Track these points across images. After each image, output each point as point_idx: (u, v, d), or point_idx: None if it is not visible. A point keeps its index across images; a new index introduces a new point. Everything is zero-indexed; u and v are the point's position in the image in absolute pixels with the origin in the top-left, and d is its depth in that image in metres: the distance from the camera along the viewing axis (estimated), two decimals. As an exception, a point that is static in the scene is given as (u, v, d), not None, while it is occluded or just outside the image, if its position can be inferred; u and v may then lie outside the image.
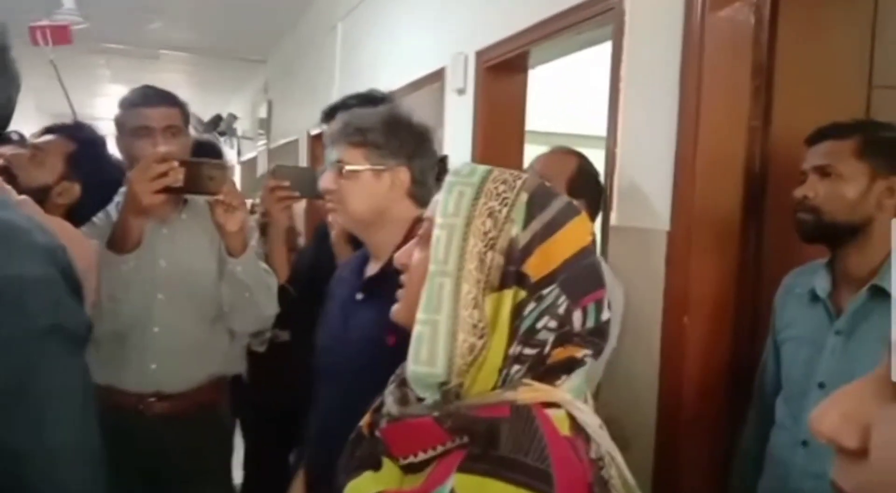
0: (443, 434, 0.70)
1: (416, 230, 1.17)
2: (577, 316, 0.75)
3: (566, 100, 4.29)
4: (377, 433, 0.78)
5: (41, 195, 1.64)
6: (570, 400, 0.73)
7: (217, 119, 7.20)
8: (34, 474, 0.69)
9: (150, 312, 1.70)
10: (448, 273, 0.73)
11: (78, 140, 1.84)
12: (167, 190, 1.55)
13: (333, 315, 1.43)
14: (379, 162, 1.33)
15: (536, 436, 0.67)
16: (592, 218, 1.83)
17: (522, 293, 0.73)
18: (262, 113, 6.88)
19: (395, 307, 0.85)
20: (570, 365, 0.75)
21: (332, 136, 1.37)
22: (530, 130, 2.82)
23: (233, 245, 1.66)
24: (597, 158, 1.96)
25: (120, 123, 1.73)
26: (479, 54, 2.71)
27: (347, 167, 1.33)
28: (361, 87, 2.20)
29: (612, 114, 1.94)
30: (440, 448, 0.70)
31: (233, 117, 7.40)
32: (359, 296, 1.36)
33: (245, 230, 1.67)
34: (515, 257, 0.74)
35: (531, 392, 0.71)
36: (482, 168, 0.80)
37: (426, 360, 0.72)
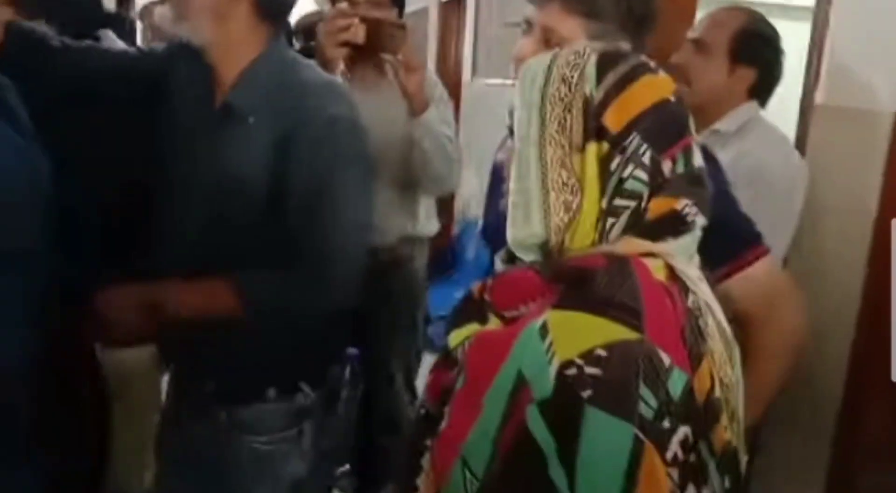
0: (542, 285, 0.74)
1: None
2: (666, 166, 0.76)
3: None
4: (486, 296, 0.80)
5: None
6: (668, 252, 0.74)
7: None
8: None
9: None
10: (532, 142, 0.77)
11: None
12: (348, 45, 1.60)
13: (496, 200, 1.23)
14: (599, 37, 1.00)
15: (629, 279, 0.70)
16: (765, 92, 1.54)
17: (605, 146, 0.75)
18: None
19: None
20: (674, 225, 0.76)
21: None
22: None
23: (412, 106, 1.68)
24: (795, 33, 1.64)
25: None
26: None
27: (563, 43, 1.01)
28: None
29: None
30: (540, 300, 0.73)
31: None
32: None
33: (423, 92, 1.68)
34: (592, 112, 0.76)
35: (629, 245, 0.74)
36: (551, 54, 0.81)
37: (522, 221, 0.76)
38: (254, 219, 1.19)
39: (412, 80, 1.63)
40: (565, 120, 0.76)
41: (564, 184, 0.75)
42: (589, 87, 0.76)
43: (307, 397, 1.29)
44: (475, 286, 0.84)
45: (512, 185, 0.78)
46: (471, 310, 0.81)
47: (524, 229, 0.77)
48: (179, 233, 1.25)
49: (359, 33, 1.57)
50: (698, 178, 0.78)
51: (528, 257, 0.79)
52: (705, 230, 0.78)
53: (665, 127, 0.77)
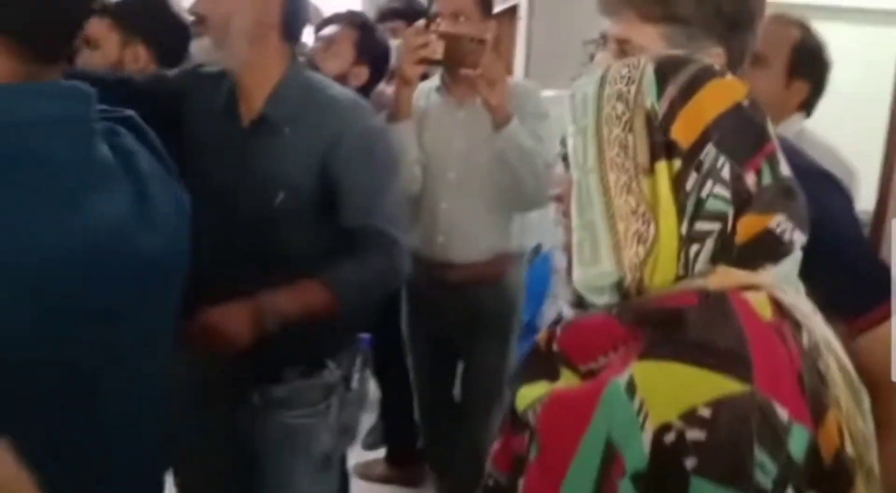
0: (622, 331, 0.64)
1: None
2: (749, 179, 0.66)
3: None
4: (555, 347, 0.71)
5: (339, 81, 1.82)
6: (772, 283, 0.64)
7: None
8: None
9: (438, 189, 1.91)
10: (591, 169, 0.68)
11: (359, 27, 2.08)
12: (427, 61, 1.66)
13: None
14: (685, 44, 0.91)
15: (731, 319, 0.59)
16: (814, 104, 1.55)
17: (677, 164, 0.66)
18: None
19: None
20: (771, 247, 0.66)
21: (611, 1, 0.98)
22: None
23: (495, 118, 1.71)
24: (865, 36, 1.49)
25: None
26: None
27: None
28: None
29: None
30: (622, 350, 0.64)
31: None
32: None
33: (504, 104, 1.70)
34: (658, 127, 0.67)
35: (724, 277, 0.63)
36: (601, 70, 0.72)
37: (590, 259, 0.67)
38: (302, 218, 1.34)
39: (493, 93, 1.65)
40: (627, 141, 0.67)
41: (633, 211, 0.66)
42: (650, 100, 0.68)
43: (332, 374, 1.42)
44: (541, 336, 0.75)
45: (574, 221, 0.69)
46: (539, 365, 0.73)
47: (593, 268, 0.67)
48: (226, 238, 1.32)
49: (437, 50, 1.63)
50: (789, 189, 0.69)
51: (600, 299, 0.69)
52: (832, 273, 0.69)
53: (743, 135, 0.68)
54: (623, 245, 0.66)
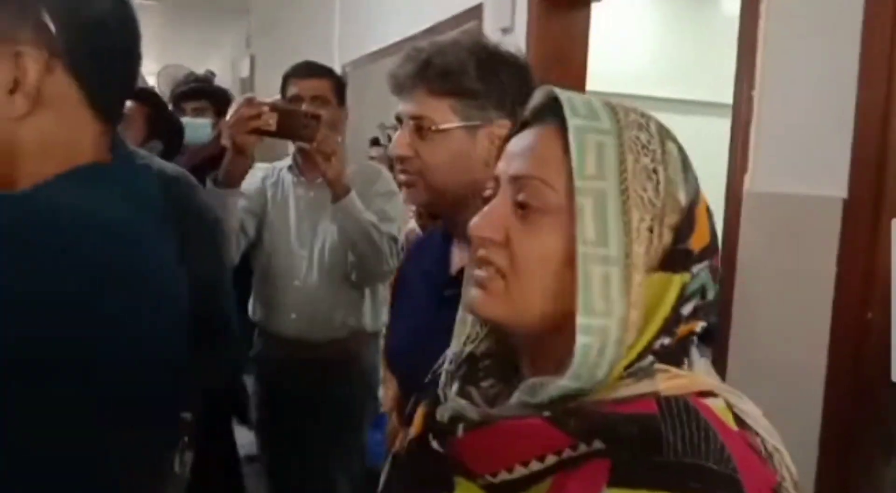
0: (559, 439, 0.53)
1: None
2: (711, 293, 0.61)
3: (637, 49, 3.76)
4: (437, 447, 0.61)
5: None
6: (723, 386, 0.59)
7: (190, 75, 6.66)
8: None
9: (290, 266, 1.94)
10: (612, 260, 0.56)
11: (150, 103, 2.17)
12: (259, 131, 1.65)
13: (411, 316, 1.13)
14: (475, 116, 1.00)
15: (709, 434, 0.52)
16: None
17: (688, 276, 0.58)
18: (244, 71, 6.33)
19: (483, 299, 0.62)
20: (686, 343, 0.60)
21: (401, 81, 1.02)
22: (592, 90, 2.36)
23: (332, 191, 1.75)
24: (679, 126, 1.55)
25: (282, 92, 1.98)
26: (535, -16, 2.26)
27: (433, 127, 1.00)
28: (369, 38, 1.95)
29: (747, 55, 1.51)
30: (551, 459, 0.53)
31: (210, 74, 6.82)
32: (448, 291, 1.03)
33: (341, 178, 1.74)
34: (685, 231, 0.58)
35: (673, 379, 0.56)
36: (597, 103, 0.61)
37: (587, 376, 0.55)
38: None
39: (329, 166, 1.69)
40: (653, 235, 0.57)
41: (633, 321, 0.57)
42: (682, 194, 0.59)
43: None
44: (413, 433, 0.66)
45: (580, 318, 0.55)
46: (422, 474, 0.62)
47: (578, 383, 0.56)
48: None
49: (270, 121, 1.63)
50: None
51: (534, 399, 0.57)
52: None
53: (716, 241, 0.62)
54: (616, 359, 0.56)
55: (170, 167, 1.50)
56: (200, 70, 7.09)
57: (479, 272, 0.62)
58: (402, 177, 1.06)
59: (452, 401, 0.63)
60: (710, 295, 0.61)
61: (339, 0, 4.09)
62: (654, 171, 0.58)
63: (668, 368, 0.57)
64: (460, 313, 0.70)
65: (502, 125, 1.00)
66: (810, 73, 1.40)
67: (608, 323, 0.55)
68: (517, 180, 0.61)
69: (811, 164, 1.39)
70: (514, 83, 1.01)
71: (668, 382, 0.56)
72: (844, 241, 1.32)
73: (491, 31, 2.50)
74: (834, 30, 1.34)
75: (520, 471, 0.54)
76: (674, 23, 3.88)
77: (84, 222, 0.65)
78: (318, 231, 1.93)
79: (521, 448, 0.55)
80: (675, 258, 0.58)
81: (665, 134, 0.61)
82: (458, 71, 0.99)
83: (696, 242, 0.60)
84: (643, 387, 0.55)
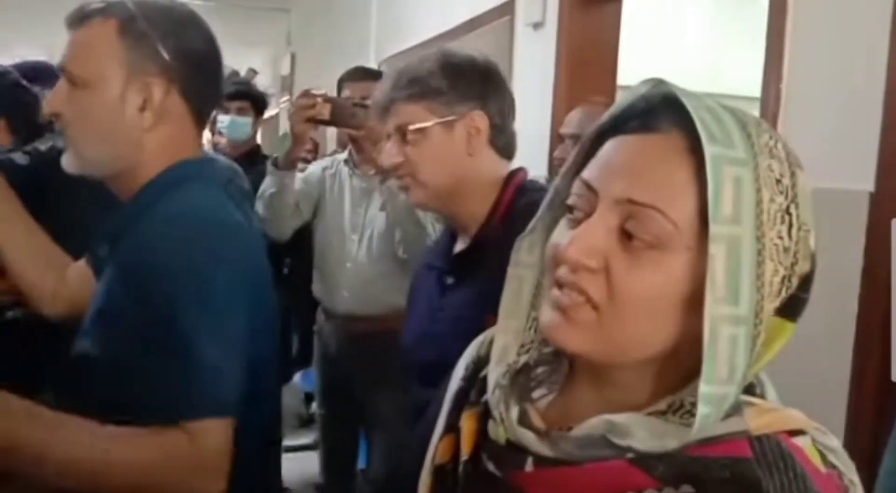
0: (643, 480, 0.50)
1: (508, 193, 1.14)
2: None
3: (666, 44, 3.71)
4: (492, 469, 0.56)
5: None
6: (808, 421, 0.54)
7: (233, 74, 6.79)
8: None
9: (343, 250, 2.11)
10: (742, 320, 0.49)
11: None
12: (314, 120, 1.89)
13: (419, 313, 1.23)
14: (447, 112, 1.11)
15: (807, 484, 0.49)
16: None
17: (790, 329, 0.54)
18: (285, 69, 6.42)
19: (560, 324, 0.54)
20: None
21: (382, 102, 1.15)
22: (623, 85, 2.36)
23: (380, 175, 1.85)
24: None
25: (337, 95, 2.16)
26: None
27: (411, 127, 1.11)
28: (404, 33, 1.98)
29: (775, 48, 1.50)
30: None
31: (252, 73, 6.94)
32: (449, 280, 1.17)
33: None
34: (811, 280, 0.53)
35: (762, 415, 0.52)
36: (724, 116, 0.51)
37: (727, 375, 0.50)
38: None
39: (376, 150, 1.75)
40: (783, 288, 0.52)
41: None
42: (812, 239, 0.53)
43: None
44: (465, 450, 0.60)
45: (703, 386, 0.49)
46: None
47: (720, 388, 0.50)
48: None
49: (323, 111, 1.86)
50: None
51: (624, 441, 0.52)
52: None
53: None
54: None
55: (223, 159, 1.86)
56: (243, 68, 7.25)
57: (563, 297, 0.54)
58: (398, 183, 1.18)
59: (512, 427, 0.57)
60: None
61: (376, -2, 4.14)
62: (788, 211, 0.51)
63: (751, 399, 0.54)
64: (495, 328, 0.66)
65: (478, 116, 1.12)
66: (838, 66, 1.39)
67: (729, 391, 0.50)
68: (625, 204, 0.52)
69: (838, 157, 1.37)
70: (478, 79, 1.13)
71: (758, 419, 0.52)
72: (871, 234, 1.30)
73: (522, 27, 2.51)
74: (863, 22, 1.33)
75: None
76: (710, 16, 3.82)
77: (216, 218, 0.97)
78: (368, 218, 2.09)
79: (600, 489, 0.51)
80: (796, 306, 0.53)
81: (793, 161, 0.53)
82: (426, 76, 1.11)
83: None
84: (733, 425, 0.51)
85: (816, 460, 0.52)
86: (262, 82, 7.23)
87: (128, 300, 0.91)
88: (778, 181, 0.51)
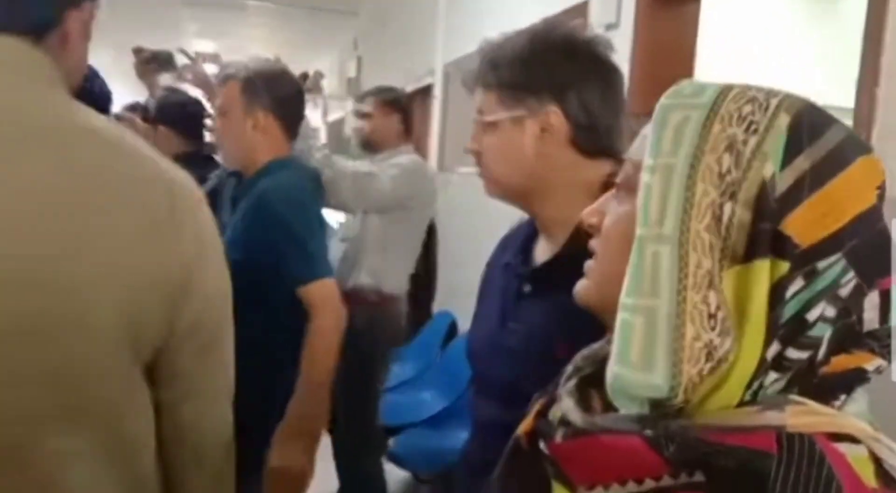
0: (659, 464, 0.48)
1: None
2: (869, 304, 0.50)
3: (747, 48, 3.55)
4: (543, 447, 0.57)
5: None
6: (872, 432, 0.48)
7: (303, 76, 6.91)
8: None
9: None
10: (666, 238, 0.50)
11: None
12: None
13: (488, 313, 1.10)
14: (517, 106, 0.98)
15: (832, 487, 0.43)
16: None
17: (784, 266, 0.49)
18: (351, 71, 6.50)
19: (581, 284, 0.62)
20: (851, 379, 0.51)
21: (467, 79, 1.06)
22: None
23: None
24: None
25: None
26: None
27: (485, 118, 1.01)
28: (471, 37, 1.93)
29: (872, 52, 1.41)
30: (649, 484, 0.48)
31: (319, 75, 7.05)
32: (526, 288, 1.02)
33: None
34: (770, 209, 0.49)
35: (807, 415, 0.48)
36: (715, 85, 0.54)
37: (639, 363, 0.50)
38: None
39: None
40: (723, 211, 0.50)
41: (711, 315, 0.49)
42: (770, 168, 0.50)
43: None
44: (523, 430, 0.62)
45: (623, 297, 0.52)
46: (522, 473, 0.60)
47: (639, 375, 0.50)
48: None
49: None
50: None
51: (624, 405, 0.52)
52: None
53: (879, 248, 0.51)
54: (686, 356, 0.48)
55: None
56: (311, 69, 7.37)
57: (588, 263, 0.62)
58: (478, 171, 1.07)
59: (563, 400, 0.59)
60: (891, 314, 0.52)
61: (445, 1, 4.12)
62: (743, 141, 0.51)
63: (805, 401, 0.49)
64: None
65: (553, 114, 0.97)
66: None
67: (654, 303, 0.49)
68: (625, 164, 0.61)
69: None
70: (560, 66, 0.97)
71: (802, 417, 0.48)
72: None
73: (595, 28, 2.44)
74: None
75: (616, 489, 0.50)
76: (792, 21, 3.67)
77: (295, 187, 1.63)
78: None
79: (620, 466, 0.51)
80: (757, 241, 0.49)
81: (786, 107, 0.51)
82: (505, 63, 0.98)
83: (800, 228, 0.49)
84: (768, 418, 0.48)
85: (867, 472, 0.47)
86: (330, 84, 7.37)
87: (246, 234, 1.56)
88: (742, 117, 0.51)
